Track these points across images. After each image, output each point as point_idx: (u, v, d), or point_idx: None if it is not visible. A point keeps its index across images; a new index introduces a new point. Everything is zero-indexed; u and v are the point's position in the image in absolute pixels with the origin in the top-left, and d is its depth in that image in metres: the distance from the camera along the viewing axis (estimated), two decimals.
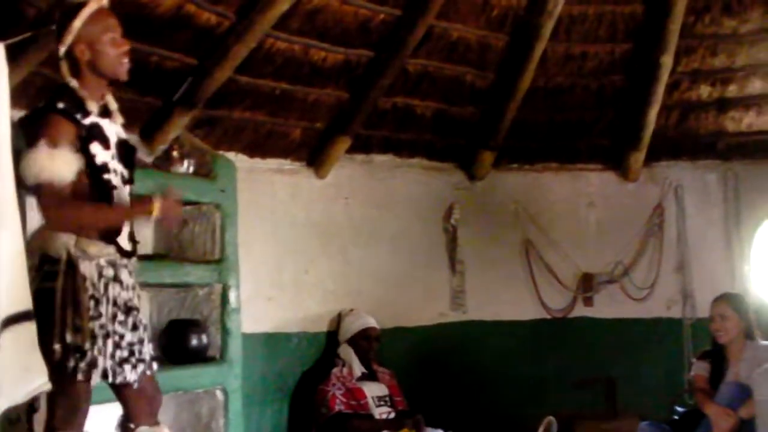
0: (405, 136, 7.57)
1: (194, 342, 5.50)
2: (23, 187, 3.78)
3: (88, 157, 3.72)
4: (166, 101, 5.88)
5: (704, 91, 7.67)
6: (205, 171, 5.74)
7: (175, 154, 5.69)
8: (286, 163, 7.00)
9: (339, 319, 7.01)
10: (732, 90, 7.66)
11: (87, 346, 3.63)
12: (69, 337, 3.62)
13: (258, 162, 6.75)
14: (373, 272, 7.41)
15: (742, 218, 8.08)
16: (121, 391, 3.95)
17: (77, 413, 3.76)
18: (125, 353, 3.78)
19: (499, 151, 7.90)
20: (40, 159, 3.54)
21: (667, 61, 7.26)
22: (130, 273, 3.89)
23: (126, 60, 3.86)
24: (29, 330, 3.54)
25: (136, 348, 3.85)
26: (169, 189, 3.99)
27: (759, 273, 8.08)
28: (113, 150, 3.83)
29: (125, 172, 3.90)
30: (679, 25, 7.06)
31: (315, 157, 7.14)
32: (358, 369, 6.71)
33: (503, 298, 7.98)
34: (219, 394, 5.63)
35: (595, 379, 7.64)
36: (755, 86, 7.61)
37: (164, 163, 5.68)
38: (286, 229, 6.85)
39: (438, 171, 7.92)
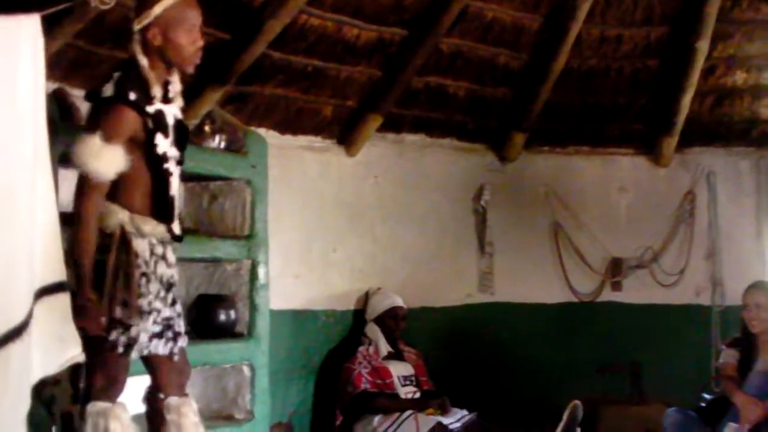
0: (437, 116, 7.54)
1: (222, 317, 5.50)
2: (58, 160, 3.80)
3: (151, 148, 3.72)
4: (199, 76, 5.85)
5: (739, 77, 7.60)
6: (236, 146, 5.72)
7: (206, 129, 5.68)
8: (316, 141, 6.99)
9: (366, 297, 7.01)
10: (767, 77, 7.57)
11: (134, 322, 3.65)
12: (118, 312, 3.64)
13: (289, 139, 6.75)
14: (401, 252, 7.41)
15: None
16: (151, 363, 3.95)
17: (115, 385, 3.78)
18: (158, 328, 3.78)
19: (530, 133, 7.86)
20: (90, 149, 3.56)
21: (703, 46, 7.18)
22: (173, 250, 3.90)
23: (197, 55, 3.83)
24: (63, 301, 3.54)
25: (174, 322, 3.86)
26: None
27: None
28: (171, 136, 3.81)
29: (178, 155, 3.88)
30: (716, 9, 6.98)
31: (346, 135, 7.13)
32: (385, 348, 6.71)
33: (531, 281, 7.96)
34: (246, 369, 5.63)
35: (622, 365, 7.62)
36: None
37: (196, 138, 5.66)
38: (315, 207, 6.85)
39: (469, 152, 7.89)
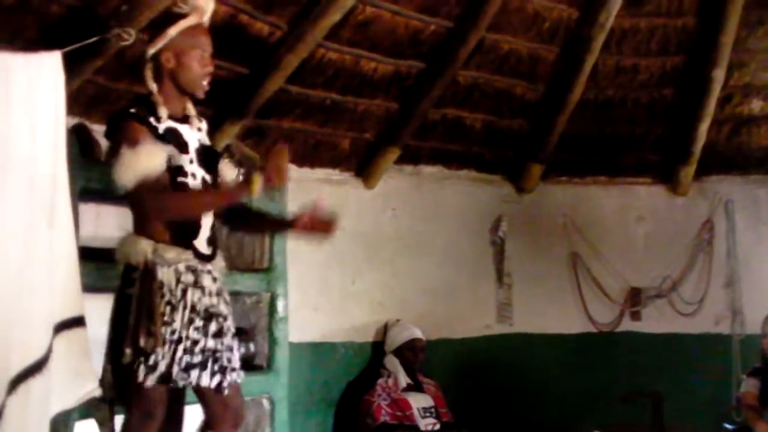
0: (454, 148, 7.56)
1: (242, 350, 5.50)
2: (76, 193, 3.84)
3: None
4: (218, 110, 5.91)
5: (756, 105, 7.60)
6: None
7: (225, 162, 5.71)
8: (334, 174, 7.02)
9: (385, 329, 7.02)
10: None
11: (159, 351, 3.64)
12: (142, 341, 3.64)
13: (307, 172, 6.77)
14: (420, 283, 7.40)
15: None
16: (201, 397, 3.96)
17: (150, 419, 3.77)
18: (198, 358, 3.76)
19: (547, 163, 7.88)
20: (126, 161, 3.59)
21: (719, 74, 7.20)
22: (214, 279, 3.89)
23: (206, 80, 3.91)
24: (81, 336, 3.58)
25: (221, 355, 3.83)
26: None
27: None
28: (192, 155, 3.87)
29: (208, 177, 3.92)
30: (731, 38, 7.00)
31: (363, 167, 7.16)
32: (404, 380, 6.71)
33: (550, 311, 7.95)
34: (265, 402, 5.62)
35: (642, 394, 7.57)
36: None
37: None
38: (333, 239, 6.81)
39: (486, 183, 7.91)
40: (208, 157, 3.97)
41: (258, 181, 3.63)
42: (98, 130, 4.97)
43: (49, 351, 3.31)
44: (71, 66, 4.10)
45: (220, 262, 3.98)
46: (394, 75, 6.69)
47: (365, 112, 6.83)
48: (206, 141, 4.02)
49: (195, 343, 3.75)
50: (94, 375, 3.75)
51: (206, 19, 3.93)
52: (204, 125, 4.06)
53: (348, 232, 6.91)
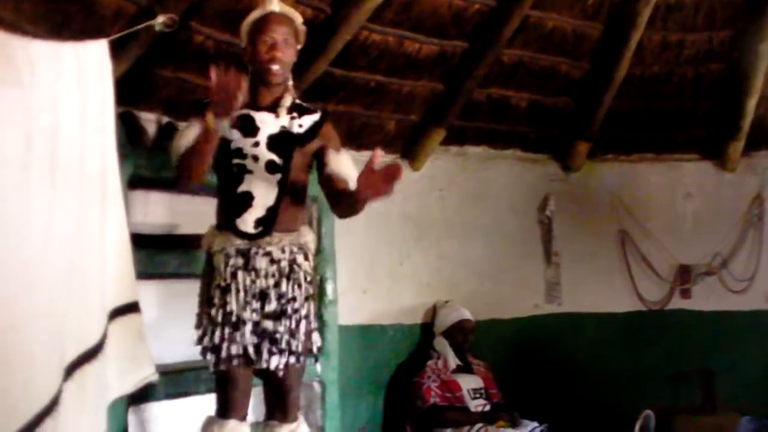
0: (499, 128, 7.52)
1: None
2: (125, 181, 3.90)
3: (225, 143, 3.93)
4: None
5: None
6: None
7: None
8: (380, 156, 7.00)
9: (434, 311, 7.02)
10: None
11: (207, 333, 3.83)
12: (199, 326, 3.85)
13: (353, 154, 6.67)
14: (467, 264, 7.40)
15: None
16: (271, 382, 4.04)
17: (227, 400, 3.95)
18: (255, 340, 3.86)
19: (594, 141, 7.83)
20: (176, 138, 3.89)
21: (767, 48, 7.11)
22: (273, 261, 3.94)
23: (272, 66, 4.00)
24: (136, 321, 3.61)
25: (281, 337, 3.89)
26: None
27: None
28: (261, 138, 3.99)
29: (279, 160, 4.00)
30: None
31: (409, 149, 7.15)
32: (453, 361, 6.71)
33: (599, 290, 7.91)
34: (316, 385, 5.67)
35: (693, 373, 7.54)
36: None
37: None
38: (380, 222, 6.86)
39: (533, 162, 7.88)
40: (284, 143, 4.04)
41: (210, 118, 3.72)
42: (145, 117, 5.04)
43: (105, 337, 3.34)
44: (118, 54, 4.14)
45: (290, 241, 4.00)
46: (438, 55, 6.66)
47: (410, 94, 6.81)
48: (297, 129, 4.07)
49: (256, 324, 3.84)
50: (150, 360, 3.80)
51: (274, 7, 4.07)
52: (310, 117, 4.13)
53: (395, 214, 6.95)
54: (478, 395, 6.63)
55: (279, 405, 4.08)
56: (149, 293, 4.74)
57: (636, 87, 7.55)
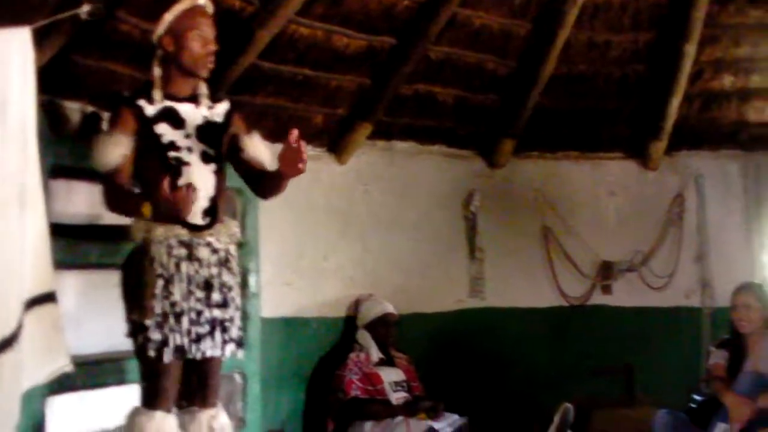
0: (426, 123, 7.57)
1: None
2: (46, 170, 3.87)
3: (155, 137, 3.93)
4: None
5: (727, 80, 7.64)
6: None
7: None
8: (307, 149, 7.00)
9: (357, 304, 7.03)
10: (755, 80, 7.62)
11: (148, 323, 3.81)
12: (135, 316, 3.83)
13: (279, 148, 6.74)
14: (392, 258, 7.43)
15: (762, 209, 8.05)
16: (196, 369, 4.03)
17: (158, 391, 3.92)
18: (203, 329, 3.89)
19: (519, 138, 7.90)
20: (95, 147, 3.87)
21: (691, 50, 7.24)
22: (214, 250, 3.98)
23: (208, 60, 4.07)
24: (52, 311, 3.59)
25: (228, 325, 3.99)
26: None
27: None
28: (190, 131, 4.02)
29: (211, 151, 4.06)
30: (703, 14, 7.02)
31: (336, 143, 7.16)
32: (376, 354, 6.73)
33: (522, 286, 8.00)
34: (237, 377, 5.67)
35: (613, 368, 7.64)
36: None
37: None
38: (306, 215, 6.87)
39: (458, 158, 7.93)
40: (211, 133, 4.09)
41: (148, 208, 3.74)
42: (70, 107, 4.99)
43: (20, 327, 3.32)
44: (42, 42, 4.12)
45: (225, 232, 4.04)
46: (366, 50, 6.68)
47: (337, 88, 6.82)
48: (216, 119, 4.15)
49: (199, 313, 3.88)
50: (66, 350, 3.78)
51: (203, 1, 4.08)
52: (222, 105, 4.23)
53: (321, 208, 6.97)
54: (399, 388, 6.66)
55: (201, 391, 4.09)
56: (70, 283, 4.73)
57: (562, 86, 7.64)
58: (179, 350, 3.84)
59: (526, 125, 7.77)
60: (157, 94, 3.99)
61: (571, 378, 7.68)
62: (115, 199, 3.90)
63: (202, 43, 4.02)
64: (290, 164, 3.97)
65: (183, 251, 3.90)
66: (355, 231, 7.27)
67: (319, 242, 7.01)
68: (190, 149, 4.00)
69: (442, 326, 7.65)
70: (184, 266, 3.90)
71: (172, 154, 3.96)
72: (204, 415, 4.06)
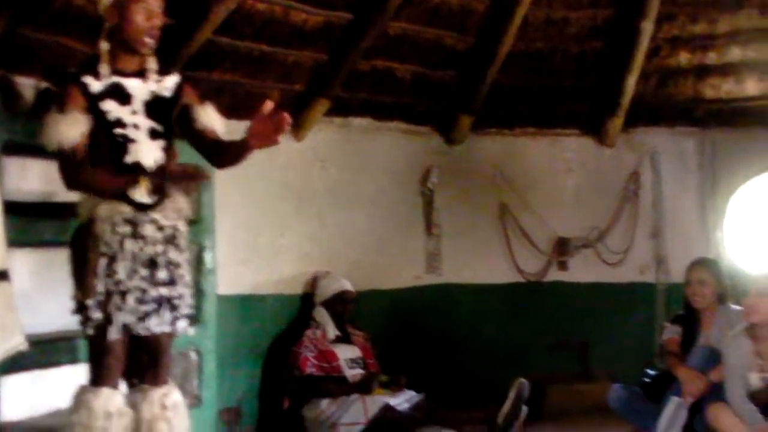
0: (384, 100, 7.55)
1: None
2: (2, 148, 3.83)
3: (101, 114, 3.83)
4: None
5: (683, 57, 7.70)
6: None
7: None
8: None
9: (314, 281, 7.02)
10: (711, 57, 7.68)
11: (90, 302, 3.74)
12: (79, 295, 3.77)
13: (236, 124, 6.61)
14: (349, 235, 7.44)
15: (717, 185, 8.12)
16: (146, 347, 4.00)
17: (103, 368, 3.86)
18: (149, 307, 3.84)
19: (477, 115, 7.92)
20: (49, 125, 3.72)
21: (648, 27, 7.28)
22: (160, 228, 3.92)
23: (151, 34, 3.92)
24: (5, 290, 3.57)
25: (178, 302, 3.94)
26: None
27: (732, 239, 8.15)
28: (136, 107, 3.92)
29: (158, 127, 3.97)
30: None
31: (293, 119, 7.09)
32: (332, 332, 6.74)
33: (478, 262, 8.05)
34: (193, 355, 5.64)
35: (569, 343, 7.70)
36: (734, 54, 7.62)
37: None
38: (262, 192, 6.84)
39: (416, 134, 7.93)
40: (159, 109, 4.00)
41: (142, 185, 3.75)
42: (23, 82, 4.93)
43: None
44: None
45: (173, 207, 3.99)
46: (323, 26, 6.65)
47: (295, 64, 6.79)
48: (165, 93, 4.04)
49: (144, 291, 3.83)
50: (20, 329, 3.76)
51: None
52: (171, 79, 4.09)
53: (277, 185, 6.94)
54: (355, 365, 6.68)
55: (152, 369, 4.06)
56: (24, 262, 4.68)
57: (520, 62, 7.66)
58: (124, 328, 3.82)
59: (484, 102, 7.78)
60: (103, 68, 3.86)
61: (528, 354, 7.76)
62: (85, 180, 3.81)
63: (146, 16, 3.87)
64: (263, 136, 3.88)
65: (127, 229, 3.83)
66: (311, 208, 7.25)
67: (275, 219, 6.99)
68: (136, 126, 3.90)
69: (399, 302, 7.68)
70: (129, 244, 3.82)
71: (118, 131, 3.87)
72: (156, 393, 4.03)
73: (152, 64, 4.01)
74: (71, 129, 3.72)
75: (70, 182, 3.81)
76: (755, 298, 5.31)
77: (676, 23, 7.46)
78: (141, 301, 3.81)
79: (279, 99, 3.92)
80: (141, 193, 3.84)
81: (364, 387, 6.41)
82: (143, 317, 3.82)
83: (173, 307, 3.91)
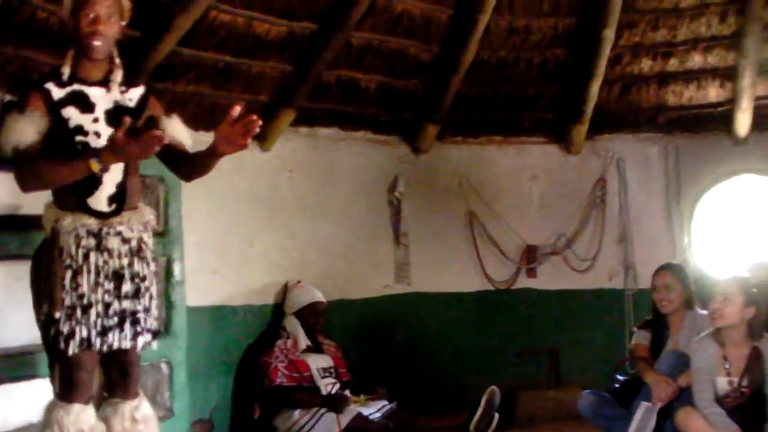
0: (349, 109, 7.56)
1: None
2: None
3: (62, 121, 3.82)
4: None
5: (645, 64, 7.75)
6: None
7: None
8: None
9: (285, 291, 7.02)
10: (673, 64, 7.73)
11: (58, 315, 3.72)
12: (45, 308, 3.74)
13: (202, 135, 6.60)
14: (317, 245, 7.43)
15: (682, 191, 8.17)
16: (109, 361, 3.97)
17: (73, 384, 3.83)
18: (112, 321, 3.82)
19: (443, 124, 7.94)
20: (7, 126, 3.71)
21: (610, 35, 7.31)
22: (125, 240, 3.91)
23: (94, 39, 3.88)
24: None
25: (141, 317, 3.92)
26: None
27: (698, 244, 8.20)
28: (98, 114, 3.90)
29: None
30: None
31: (259, 130, 7.10)
32: (304, 342, 6.73)
33: (447, 270, 8.06)
34: (164, 367, 5.62)
35: (539, 350, 7.71)
36: (695, 60, 7.68)
37: None
38: (230, 203, 6.82)
39: (382, 144, 7.94)
40: (120, 117, 3.93)
41: (95, 164, 3.65)
42: None
43: None
44: None
45: (138, 219, 3.98)
46: (287, 37, 6.65)
47: (259, 75, 6.79)
48: (128, 103, 4.02)
49: (108, 305, 3.80)
50: None
51: None
52: (136, 90, 4.09)
53: (245, 195, 6.93)
54: (327, 374, 6.68)
55: (122, 382, 4.04)
56: None
57: (484, 71, 7.69)
58: (86, 342, 3.78)
59: (449, 110, 7.81)
60: (65, 69, 3.87)
61: (498, 361, 7.78)
62: (38, 173, 3.76)
63: (91, 20, 3.86)
64: (231, 140, 3.82)
65: (92, 241, 3.82)
66: (280, 218, 7.24)
67: (244, 229, 6.98)
68: (97, 134, 3.88)
69: (369, 312, 7.68)
70: (93, 257, 3.81)
71: (79, 138, 3.86)
72: (126, 407, 4.01)
73: (117, 74, 4.00)
74: (28, 128, 3.71)
75: (24, 180, 3.78)
76: (721, 303, 5.34)
77: (638, 31, 7.50)
78: (103, 315, 3.79)
79: (244, 110, 3.83)
80: (98, 200, 3.85)
81: (334, 405, 6.36)
82: (104, 332, 3.80)
83: (135, 321, 3.88)
